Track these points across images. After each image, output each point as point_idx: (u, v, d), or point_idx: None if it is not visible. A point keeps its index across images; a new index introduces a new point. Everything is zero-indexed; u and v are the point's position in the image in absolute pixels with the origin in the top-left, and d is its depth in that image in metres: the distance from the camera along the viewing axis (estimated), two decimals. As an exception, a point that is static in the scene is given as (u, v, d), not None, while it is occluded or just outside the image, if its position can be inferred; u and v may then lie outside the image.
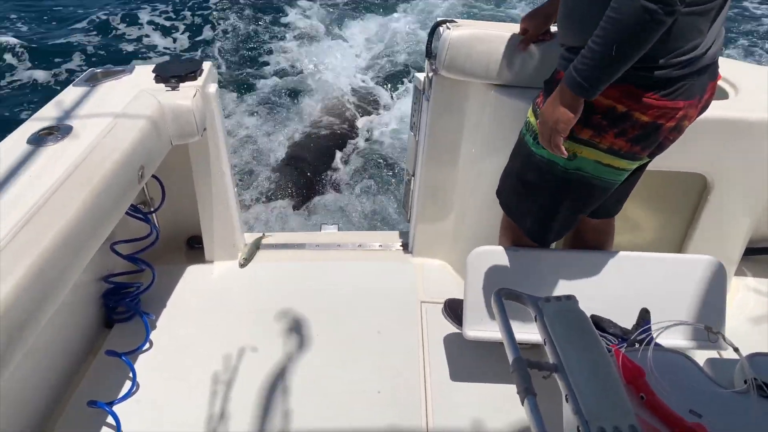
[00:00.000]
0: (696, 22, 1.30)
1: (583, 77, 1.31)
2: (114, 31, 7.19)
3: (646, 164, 1.69)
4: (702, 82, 1.41)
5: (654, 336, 1.33)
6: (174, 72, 2.09)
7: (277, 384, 2.01)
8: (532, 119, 1.59)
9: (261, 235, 2.71)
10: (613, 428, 0.97)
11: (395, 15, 7.92)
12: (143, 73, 2.16)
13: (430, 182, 2.37)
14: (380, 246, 2.68)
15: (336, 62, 6.67)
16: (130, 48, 6.90)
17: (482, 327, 1.89)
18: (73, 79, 2.18)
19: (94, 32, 7.12)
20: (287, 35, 7.38)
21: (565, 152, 1.44)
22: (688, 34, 1.31)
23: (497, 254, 1.89)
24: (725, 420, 1.15)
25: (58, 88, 4.54)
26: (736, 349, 1.24)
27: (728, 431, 1.12)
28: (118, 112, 1.87)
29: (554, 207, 1.66)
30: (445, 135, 2.22)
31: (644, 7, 1.18)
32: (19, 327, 1.28)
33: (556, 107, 1.38)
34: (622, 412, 1.00)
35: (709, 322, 1.82)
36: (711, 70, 1.44)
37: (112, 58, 6.48)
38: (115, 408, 1.90)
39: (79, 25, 7.26)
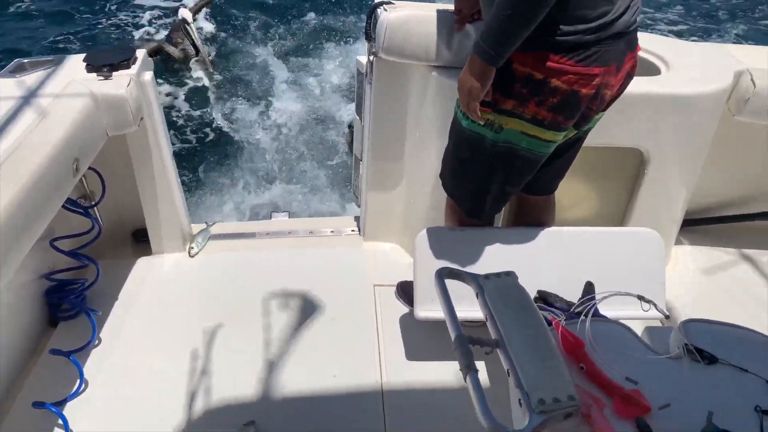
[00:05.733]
0: None
1: (487, 45, 1.36)
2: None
3: (579, 140, 1.72)
4: (617, 50, 1.43)
5: (593, 308, 1.37)
6: (106, 61, 2.02)
7: (231, 375, 1.99)
8: None
9: (212, 224, 2.66)
10: (553, 399, 1.00)
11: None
12: (73, 62, 2.08)
13: (378, 166, 2.37)
14: (332, 232, 2.67)
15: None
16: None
17: (433, 307, 1.90)
18: None
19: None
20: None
21: (481, 118, 1.49)
22: (593, 1, 1.35)
23: (444, 234, 1.91)
24: (660, 385, 1.20)
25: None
26: (666, 317, 1.29)
27: (662, 395, 1.17)
28: (47, 104, 1.80)
29: (486, 181, 1.68)
30: (389, 118, 2.22)
31: None
32: None
33: (469, 75, 1.43)
34: (561, 383, 1.03)
35: (649, 290, 1.88)
36: (627, 39, 1.45)
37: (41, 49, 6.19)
38: (63, 408, 1.86)
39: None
